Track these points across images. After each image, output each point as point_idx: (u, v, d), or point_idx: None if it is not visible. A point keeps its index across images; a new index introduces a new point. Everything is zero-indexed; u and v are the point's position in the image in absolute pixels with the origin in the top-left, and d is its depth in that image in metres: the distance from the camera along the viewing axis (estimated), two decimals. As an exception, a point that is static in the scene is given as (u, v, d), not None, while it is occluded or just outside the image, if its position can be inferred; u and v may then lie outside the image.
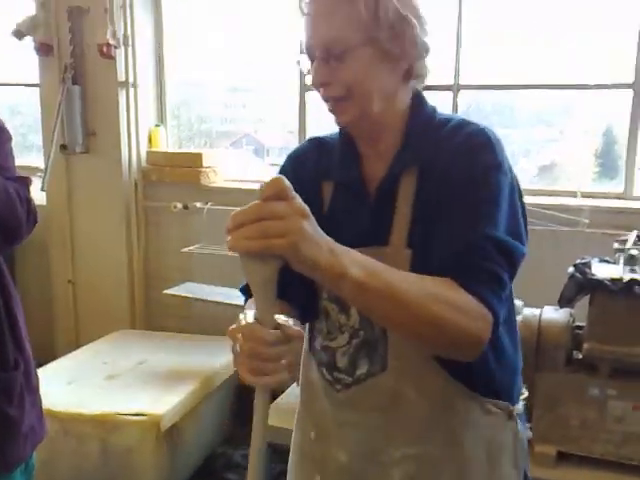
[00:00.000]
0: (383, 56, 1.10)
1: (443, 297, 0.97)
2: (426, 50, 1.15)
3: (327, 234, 0.98)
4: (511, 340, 1.24)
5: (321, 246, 0.86)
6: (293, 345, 0.91)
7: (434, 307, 0.95)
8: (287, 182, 0.84)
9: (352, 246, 0.97)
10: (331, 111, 1.16)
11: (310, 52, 1.13)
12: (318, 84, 1.11)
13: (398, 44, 1.10)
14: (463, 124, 1.13)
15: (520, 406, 1.26)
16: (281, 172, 1.27)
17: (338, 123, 1.18)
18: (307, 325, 1.30)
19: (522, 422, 1.27)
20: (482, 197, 1.06)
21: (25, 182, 1.51)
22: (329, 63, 1.09)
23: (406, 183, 1.14)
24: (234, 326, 0.92)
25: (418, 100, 1.20)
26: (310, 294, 1.23)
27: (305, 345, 1.32)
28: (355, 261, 0.90)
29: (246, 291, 1.23)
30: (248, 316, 0.91)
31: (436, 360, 1.14)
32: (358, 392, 1.20)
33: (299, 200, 0.84)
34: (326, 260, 0.86)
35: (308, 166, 1.25)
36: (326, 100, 1.15)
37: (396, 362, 1.16)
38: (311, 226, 0.85)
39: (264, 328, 0.87)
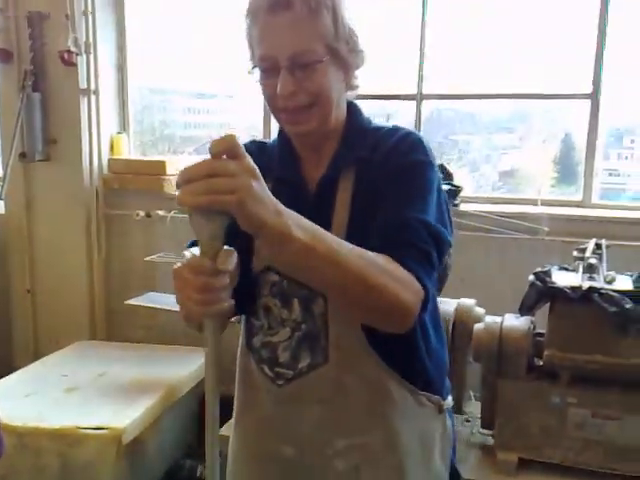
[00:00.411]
0: (339, 66, 1.17)
1: (381, 266, 1.01)
2: (362, 62, 1.22)
3: None
4: (437, 335, 1.32)
5: (268, 206, 0.87)
6: (233, 272, 0.93)
7: (373, 274, 0.99)
8: (238, 140, 0.85)
9: None
10: (288, 121, 1.18)
11: (268, 62, 1.14)
12: (286, 94, 1.13)
13: (351, 55, 1.17)
14: (397, 128, 1.23)
15: (449, 401, 1.33)
16: None
17: (297, 133, 1.21)
18: (243, 323, 1.32)
19: (450, 417, 1.34)
20: (415, 187, 1.14)
21: None
22: (294, 73, 1.12)
23: (345, 181, 1.20)
24: (179, 264, 0.93)
25: (354, 108, 1.27)
26: (248, 294, 1.25)
27: (242, 342, 1.33)
28: (300, 224, 0.92)
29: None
30: (194, 251, 0.92)
31: (374, 349, 1.19)
32: (300, 385, 1.24)
33: (249, 159, 0.86)
34: (272, 220, 0.87)
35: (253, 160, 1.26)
36: (284, 110, 1.16)
37: (337, 353, 1.20)
38: (260, 186, 0.86)
39: (211, 260, 0.88)
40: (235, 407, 1.38)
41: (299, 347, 1.23)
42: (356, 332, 1.19)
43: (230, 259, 0.88)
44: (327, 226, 1.17)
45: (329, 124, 1.20)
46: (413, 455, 1.25)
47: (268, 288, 1.24)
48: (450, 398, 1.34)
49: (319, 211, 1.17)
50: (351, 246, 1.00)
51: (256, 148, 1.30)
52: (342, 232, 1.17)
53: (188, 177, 0.84)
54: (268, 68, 1.14)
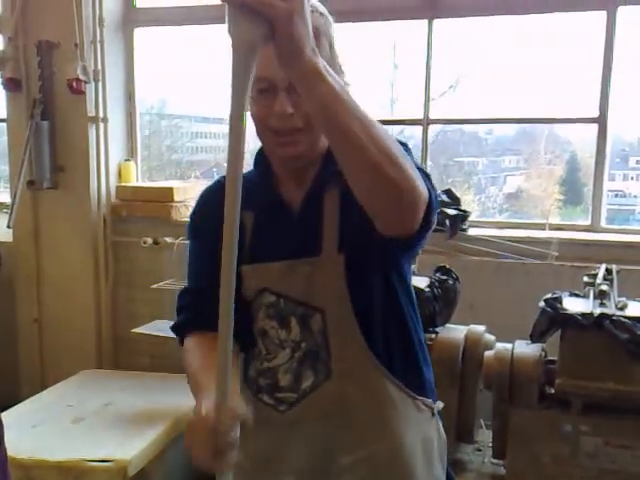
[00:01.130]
0: None
1: (399, 146, 1.00)
2: None
3: (254, 258, 1.17)
4: (422, 336, 1.34)
5: (309, 37, 0.88)
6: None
7: (392, 144, 0.97)
8: None
9: (283, 260, 1.17)
10: (279, 144, 1.19)
11: (265, 83, 1.15)
12: (285, 114, 1.14)
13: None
14: None
15: (439, 404, 1.33)
16: (194, 211, 1.35)
17: (285, 156, 1.21)
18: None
19: (440, 420, 1.34)
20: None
21: None
22: (291, 96, 1.14)
23: (330, 197, 1.21)
24: (193, 418, 0.99)
25: None
26: (245, 321, 1.24)
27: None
28: (330, 71, 0.92)
29: (178, 330, 1.29)
30: (205, 406, 0.97)
31: (376, 357, 1.20)
32: (304, 406, 1.23)
33: None
34: (309, 54, 0.88)
35: (222, 201, 1.27)
36: (275, 132, 1.17)
37: (339, 365, 1.21)
38: (306, 14, 0.87)
39: (225, 420, 0.94)
40: None
41: (301, 367, 1.23)
42: (357, 342, 1.20)
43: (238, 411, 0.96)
44: (316, 242, 1.20)
45: (316, 149, 1.21)
46: (418, 461, 1.25)
47: (264, 311, 1.24)
48: (439, 402, 1.34)
49: (305, 231, 1.19)
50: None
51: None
52: (333, 246, 1.19)
53: None
54: (264, 89, 1.15)
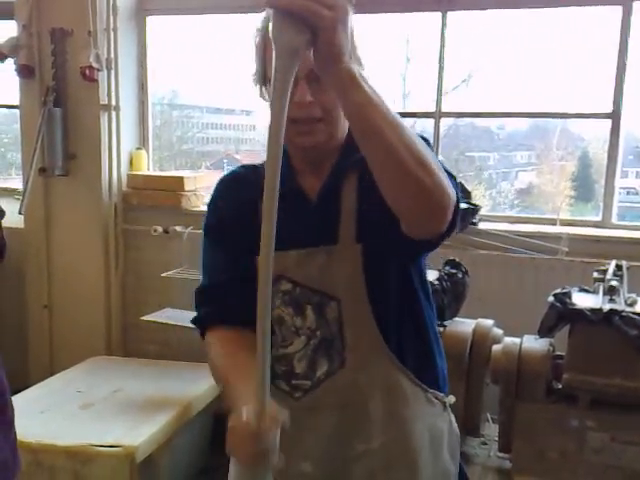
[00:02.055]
0: None
1: (429, 150, 1.03)
2: None
3: None
4: (437, 331, 1.36)
5: (348, 44, 0.92)
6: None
7: (423, 149, 0.99)
8: None
9: (300, 248, 1.18)
10: (298, 133, 1.19)
11: None
12: (305, 102, 1.15)
13: None
14: None
15: (451, 398, 1.33)
16: (215, 193, 1.35)
17: (304, 145, 1.22)
18: None
19: (452, 413, 1.35)
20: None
21: None
22: (311, 85, 1.15)
23: (348, 187, 1.22)
24: (234, 422, 1.03)
25: None
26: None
27: None
28: (365, 77, 0.95)
29: (200, 323, 1.30)
30: (246, 411, 1.01)
31: (389, 348, 1.21)
32: (319, 394, 1.24)
33: None
34: (347, 60, 0.92)
35: (244, 187, 1.30)
36: (294, 121, 1.16)
37: (354, 355, 1.22)
38: (348, 24, 0.91)
39: (266, 426, 0.99)
40: None
41: (315, 355, 1.24)
42: (372, 332, 1.21)
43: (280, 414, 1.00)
44: (333, 231, 1.21)
45: (334, 140, 1.23)
46: (424, 453, 1.26)
47: (280, 298, 1.25)
48: (452, 396, 1.35)
49: (323, 219, 1.20)
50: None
51: (250, 171, 1.32)
52: (351, 235, 1.20)
53: None
54: None
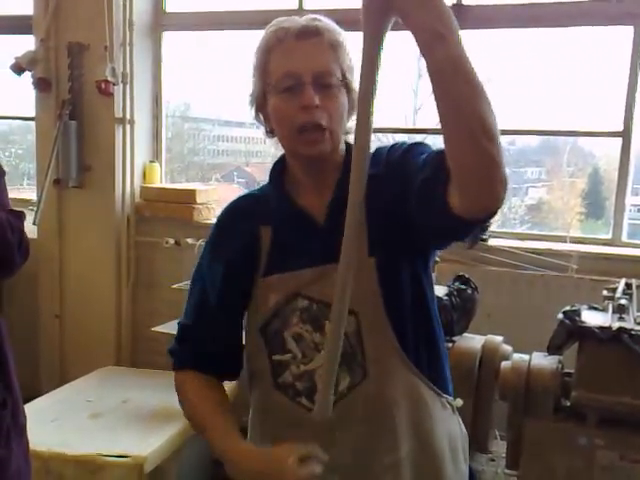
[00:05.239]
0: (348, 99, 1.23)
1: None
2: (354, 109, 1.25)
3: (276, 270, 1.23)
4: None
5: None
6: None
7: (495, 119, 0.98)
8: None
9: (313, 266, 1.19)
10: (305, 142, 1.21)
11: (292, 79, 1.19)
12: (313, 104, 1.17)
13: (354, 94, 1.22)
14: (377, 148, 1.30)
15: (459, 401, 1.36)
16: (218, 222, 1.39)
17: (311, 155, 1.23)
18: (268, 364, 1.31)
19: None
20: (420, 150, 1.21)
21: (19, 215, 1.52)
22: (319, 92, 1.18)
23: None
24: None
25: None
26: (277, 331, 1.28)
27: (262, 385, 1.33)
28: (454, 31, 0.95)
29: (176, 359, 1.39)
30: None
31: (407, 356, 1.23)
32: (343, 408, 1.23)
33: None
34: (423, 16, 0.94)
35: (244, 216, 1.35)
36: (302, 128, 1.20)
37: (375, 366, 1.23)
38: None
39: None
40: (268, 446, 1.33)
41: (337, 368, 1.24)
42: (391, 342, 1.22)
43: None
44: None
45: (336, 154, 1.26)
46: (447, 458, 1.28)
47: (297, 316, 1.26)
48: (458, 399, 1.37)
49: (333, 236, 1.18)
50: None
51: (250, 202, 1.37)
52: (364, 250, 1.21)
53: None
54: (290, 86, 1.19)
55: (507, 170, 1.02)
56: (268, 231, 1.29)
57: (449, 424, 1.31)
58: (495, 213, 1.08)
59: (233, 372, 1.39)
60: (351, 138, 1.12)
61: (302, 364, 1.27)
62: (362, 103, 0.99)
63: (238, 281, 1.30)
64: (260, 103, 1.27)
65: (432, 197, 1.08)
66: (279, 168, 1.34)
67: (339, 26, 1.26)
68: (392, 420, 1.24)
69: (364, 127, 0.99)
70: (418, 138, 3.57)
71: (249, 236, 1.30)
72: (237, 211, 1.38)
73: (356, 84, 1.19)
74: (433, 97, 0.99)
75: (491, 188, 1.02)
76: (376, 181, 1.17)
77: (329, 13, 1.29)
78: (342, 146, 1.29)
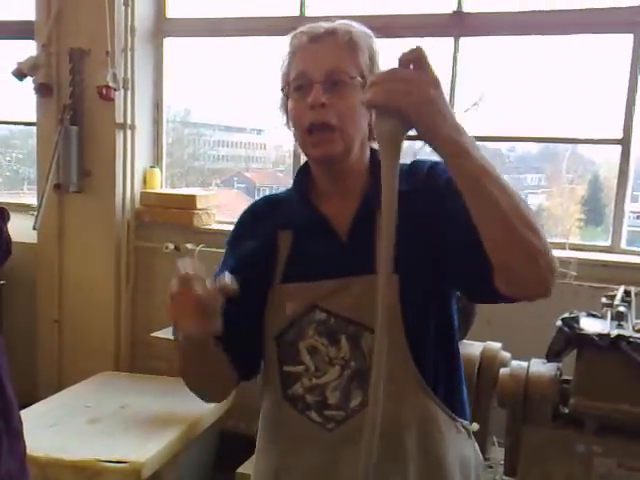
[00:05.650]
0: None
1: (531, 210, 1.03)
2: None
3: (294, 277, 1.19)
4: None
5: (446, 118, 0.94)
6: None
7: (531, 212, 1.01)
8: (426, 52, 0.94)
9: (333, 278, 1.16)
10: (314, 143, 1.21)
11: (303, 79, 1.19)
12: (317, 103, 1.17)
13: None
14: (416, 161, 1.29)
15: (475, 426, 1.33)
16: (238, 224, 1.38)
17: (321, 156, 1.22)
18: (278, 374, 1.29)
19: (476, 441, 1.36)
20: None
21: (1, 212, 1.50)
22: (327, 90, 1.17)
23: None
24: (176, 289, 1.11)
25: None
26: (291, 340, 1.26)
27: (271, 396, 1.31)
28: (475, 145, 0.97)
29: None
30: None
31: (424, 379, 1.21)
32: (353, 425, 1.22)
33: (434, 71, 0.95)
34: (447, 133, 0.94)
35: (262, 219, 1.34)
36: (310, 128, 1.19)
37: (388, 386, 1.17)
38: (440, 97, 0.93)
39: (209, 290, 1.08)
40: (274, 458, 1.33)
41: (349, 385, 1.23)
42: (407, 363, 1.20)
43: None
44: (368, 260, 1.18)
45: (352, 151, 1.23)
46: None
47: (313, 328, 1.24)
48: (475, 423, 1.35)
49: (356, 247, 1.18)
50: None
51: (269, 203, 1.36)
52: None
53: (374, 80, 0.95)
54: (302, 85, 1.19)
55: (553, 255, 1.04)
56: (289, 236, 1.28)
57: (462, 448, 1.29)
58: (546, 296, 1.08)
59: (244, 375, 1.34)
60: (376, 145, 1.11)
61: (314, 377, 1.25)
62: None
63: (251, 280, 1.24)
64: (285, 108, 1.27)
65: (479, 290, 1.11)
66: (303, 173, 1.33)
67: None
68: (402, 441, 1.22)
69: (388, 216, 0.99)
70: (417, 145, 3.57)
71: (267, 238, 1.28)
72: (257, 213, 1.37)
73: None
74: (468, 205, 1.00)
75: (539, 278, 1.04)
76: (412, 197, 1.14)
77: (361, 19, 1.31)
78: (365, 150, 1.27)
